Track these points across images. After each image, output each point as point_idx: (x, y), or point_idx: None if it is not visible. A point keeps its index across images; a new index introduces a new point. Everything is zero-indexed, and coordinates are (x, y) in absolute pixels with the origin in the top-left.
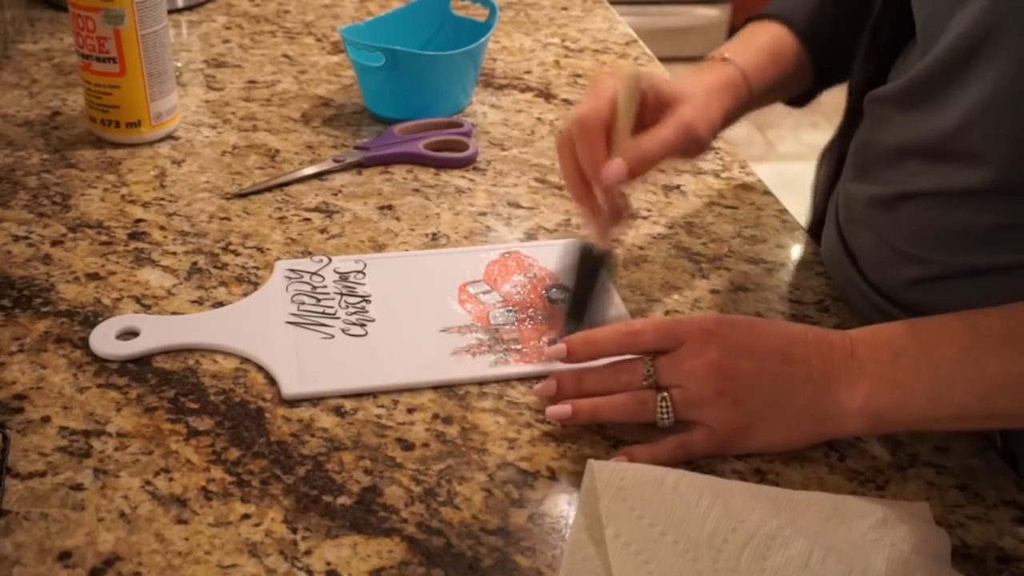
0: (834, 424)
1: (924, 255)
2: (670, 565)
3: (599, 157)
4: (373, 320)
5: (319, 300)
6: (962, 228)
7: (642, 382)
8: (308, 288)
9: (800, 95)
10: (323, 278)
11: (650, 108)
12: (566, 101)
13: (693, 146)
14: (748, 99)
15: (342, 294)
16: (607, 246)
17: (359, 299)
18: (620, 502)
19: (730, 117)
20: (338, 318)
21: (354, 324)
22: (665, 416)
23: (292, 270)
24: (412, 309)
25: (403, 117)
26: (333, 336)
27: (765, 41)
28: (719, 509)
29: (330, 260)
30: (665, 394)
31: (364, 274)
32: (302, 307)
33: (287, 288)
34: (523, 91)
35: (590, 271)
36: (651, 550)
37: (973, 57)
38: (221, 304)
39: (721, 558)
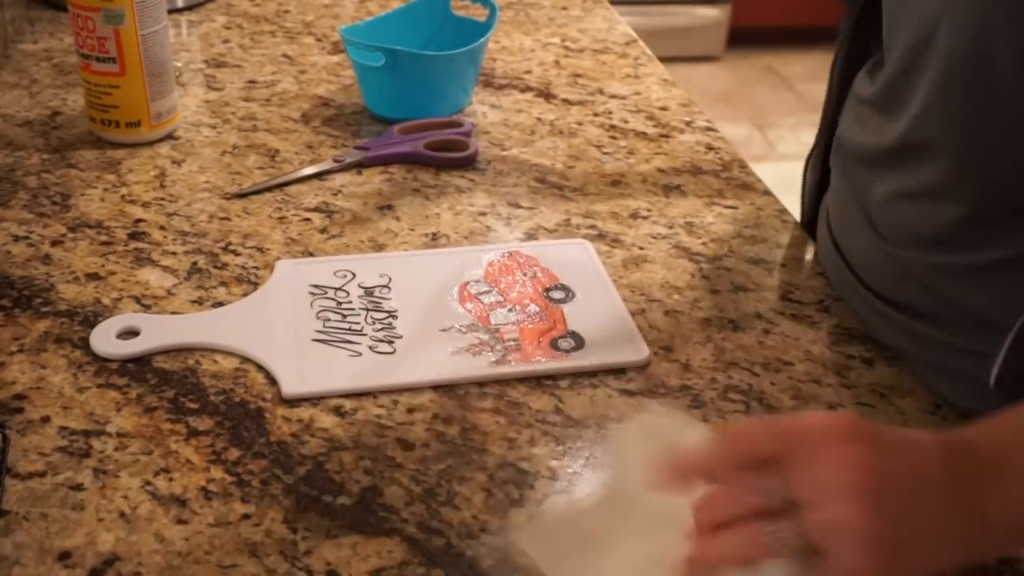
0: (981, 549)
1: (906, 256)
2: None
3: None
4: (401, 337)
5: (344, 316)
6: (932, 227)
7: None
8: (333, 304)
9: None
10: (348, 293)
11: None
12: (566, 101)
13: None
14: None
15: (368, 309)
16: None
17: (385, 314)
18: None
19: None
20: (365, 335)
21: (381, 341)
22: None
23: (316, 286)
24: (412, 308)
25: (403, 117)
26: (361, 354)
27: None
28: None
29: (354, 276)
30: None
31: (389, 287)
32: (327, 323)
33: (312, 304)
34: (523, 91)
35: None
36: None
37: (924, 53)
38: (221, 304)
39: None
